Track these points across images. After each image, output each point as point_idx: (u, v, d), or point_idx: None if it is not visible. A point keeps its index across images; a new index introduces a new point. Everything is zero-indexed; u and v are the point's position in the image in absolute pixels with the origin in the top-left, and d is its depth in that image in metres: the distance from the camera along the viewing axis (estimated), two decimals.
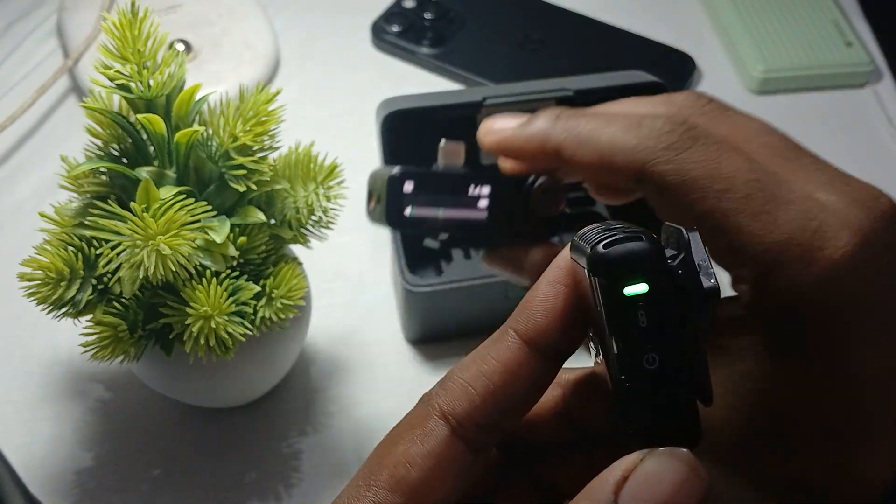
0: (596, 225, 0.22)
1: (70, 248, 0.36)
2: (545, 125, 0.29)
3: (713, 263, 0.21)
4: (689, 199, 0.25)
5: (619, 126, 0.26)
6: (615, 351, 0.20)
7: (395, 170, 0.31)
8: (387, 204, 0.31)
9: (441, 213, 0.32)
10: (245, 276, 0.39)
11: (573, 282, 0.23)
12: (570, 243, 0.23)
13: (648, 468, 0.20)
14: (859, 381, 0.24)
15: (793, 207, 0.24)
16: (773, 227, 0.24)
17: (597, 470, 0.20)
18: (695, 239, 0.21)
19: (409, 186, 0.31)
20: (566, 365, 0.25)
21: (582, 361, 0.26)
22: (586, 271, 0.21)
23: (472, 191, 0.32)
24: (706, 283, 0.21)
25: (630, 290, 0.20)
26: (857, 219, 0.24)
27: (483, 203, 0.32)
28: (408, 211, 0.31)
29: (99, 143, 0.38)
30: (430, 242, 0.34)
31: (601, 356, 0.22)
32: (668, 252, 0.21)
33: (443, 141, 0.33)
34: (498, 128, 0.30)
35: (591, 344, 0.23)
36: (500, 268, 0.34)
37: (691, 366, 0.20)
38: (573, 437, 0.27)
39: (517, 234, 0.32)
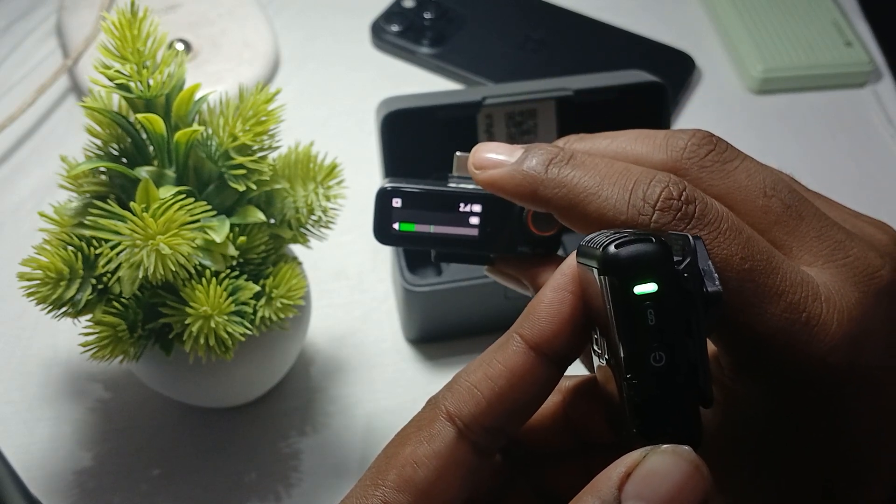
0: (604, 230, 0.23)
1: (70, 247, 0.36)
2: (536, 170, 0.27)
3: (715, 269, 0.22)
4: None
5: (611, 192, 0.25)
6: (622, 350, 0.21)
7: (386, 184, 0.32)
8: (375, 219, 0.32)
9: (430, 229, 0.32)
10: (245, 276, 0.39)
11: (578, 288, 0.24)
12: (577, 248, 0.24)
13: (652, 464, 0.20)
14: (852, 442, 0.24)
15: (783, 301, 0.23)
16: (761, 321, 0.23)
17: (597, 474, 0.20)
18: (699, 245, 0.22)
19: (397, 202, 0.32)
20: (566, 372, 0.25)
21: (582, 368, 0.26)
22: (596, 272, 0.21)
23: (464, 208, 0.32)
24: (710, 288, 0.21)
25: (640, 290, 0.21)
26: (849, 301, 0.24)
27: (474, 220, 0.32)
28: (396, 226, 0.32)
29: (98, 142, 0.38)
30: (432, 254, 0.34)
31: (605, 358, 0.22)
32: (674, 257, 0.21)
33: (457, 153, 0.33)
34: (489, 162, 0.28)
35: (595, 346, 0.24)
36: (504, 281, 0.34)
37: (695, 367, 0.21)
38: (574, 444, 0.27)
39: (514, 252, 0.33)
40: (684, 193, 0.24)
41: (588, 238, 0.23)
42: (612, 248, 0.21)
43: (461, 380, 0.24)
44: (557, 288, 0.24)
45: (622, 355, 0.21)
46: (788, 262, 0.24)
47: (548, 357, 0.24)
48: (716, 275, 0.21)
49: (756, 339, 0.23)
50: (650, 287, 0.21)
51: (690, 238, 0.21)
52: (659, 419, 0.21)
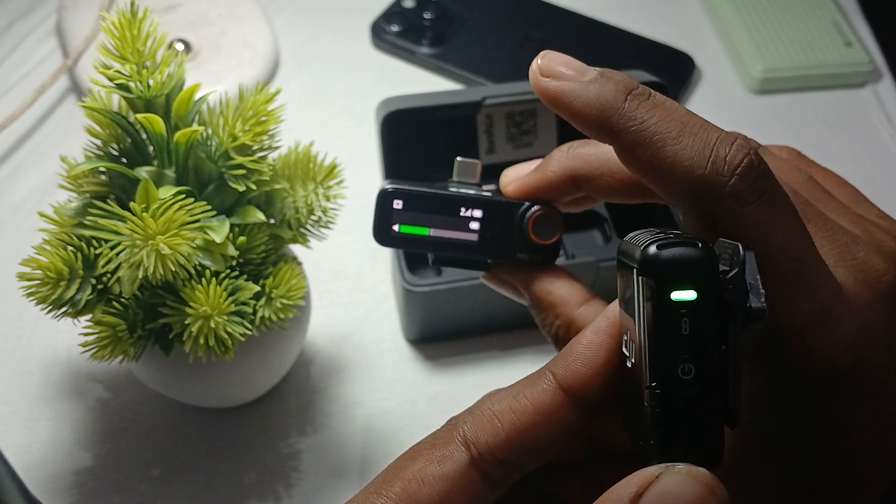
0: (650, 228, 0.22)
1: (69, 247, 0.36)
2: (614, 98, 0.25)
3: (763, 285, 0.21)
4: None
5: (691, 142, 0.23)
6: (649, 356, 0.20)
7: (387, 185, 0.32)
8: (375, 220, 0.32)
9: (429, 232, 0.32)
10: (245, 276, 0.39)
11: (618, 333, 0.23)
12: (618, 246, 0.23)
13: (665, 485, 0.19)
14: (850, 445, 0.24)
15: (815, 296, 0.23)
16: (794, 311, 0.23)
17: (608, 487, 0.20)
18: (749, 258, 0.20)
19: (398, 203, 0.32)
20: None
21: None
22: (634, 271, 0.20)
23: (464, 212, 0.32)
24: (755, 304, 0.20)
25: (677, 296, 0.20)
26: (861, 303, 0.24)
27: (474, 225, 0.32)
28: (396, 228, 0.32)
29: (98, 142, 0.38)
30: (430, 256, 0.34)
31: (630, 361, 0.22)
32: (721, 266, 0.20)
33: (458, 158, 0.33)
34: (560, 73, 0.26)
35: (624, 348, 0.23)
36: (500, 288, 0.34)
37: (725, 384, 0.20)
38: (585, 454, 0.27)
39: (513, 259, 0.33)
40: (762, 166, 0.23)
41: (630, 236, 0.22)
42: (652, 248, 0.20)
43: (484, 406, 0.23)
44: (598, 331, 0.23)
45: (647, 362, 0.20)
46: (822, 258, 0.24)
47: (577, 400, 0.23)
48: (762, 290, 0.20)
49: (780, 330, 0.23)
50: (689, 294, 0.20)
51: (741, 248, 0.20)
52: (680, 434, 0.20)
